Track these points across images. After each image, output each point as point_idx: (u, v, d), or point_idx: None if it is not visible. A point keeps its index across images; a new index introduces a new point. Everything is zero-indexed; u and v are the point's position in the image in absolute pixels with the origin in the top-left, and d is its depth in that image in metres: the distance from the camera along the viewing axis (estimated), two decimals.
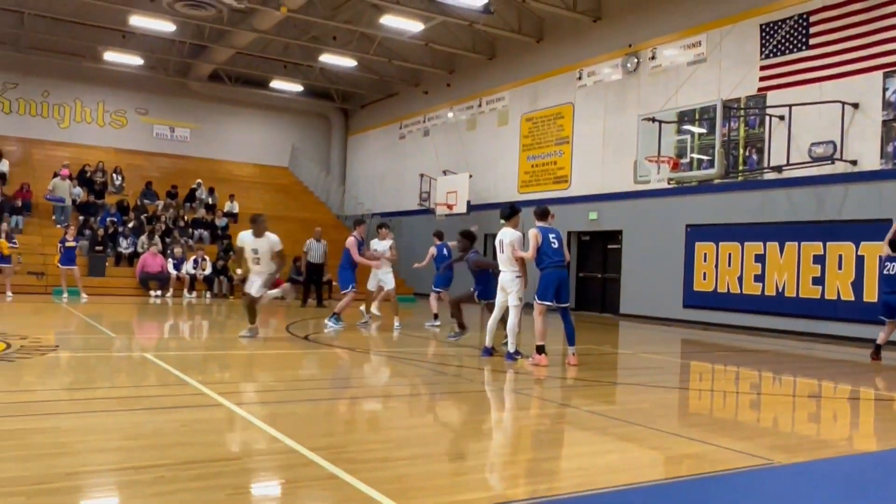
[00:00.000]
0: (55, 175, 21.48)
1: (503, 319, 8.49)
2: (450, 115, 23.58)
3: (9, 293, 15.99)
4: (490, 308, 9.25)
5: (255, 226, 9.51)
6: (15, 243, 16.61)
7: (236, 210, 23.93)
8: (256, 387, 6.60)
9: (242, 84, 27.06)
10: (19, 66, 24.49)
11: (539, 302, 8.08)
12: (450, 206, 21.41)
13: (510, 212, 8.47)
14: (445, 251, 13.62)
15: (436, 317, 13.12)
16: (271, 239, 9.52)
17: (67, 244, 16.84)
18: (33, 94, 25.32)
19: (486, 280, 9.79)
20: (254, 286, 9.50)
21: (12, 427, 4.55)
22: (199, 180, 24.60)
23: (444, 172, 22.57)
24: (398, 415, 5.71)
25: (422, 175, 23.61)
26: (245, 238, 9.57)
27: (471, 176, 21.11)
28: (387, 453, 4.26)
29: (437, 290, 13.04)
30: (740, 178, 14.94)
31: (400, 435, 4.86)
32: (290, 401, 5.84)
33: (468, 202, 20.77)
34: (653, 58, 16.98)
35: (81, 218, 20.69)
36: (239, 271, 10.42)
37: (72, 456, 3.95)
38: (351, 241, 11.72)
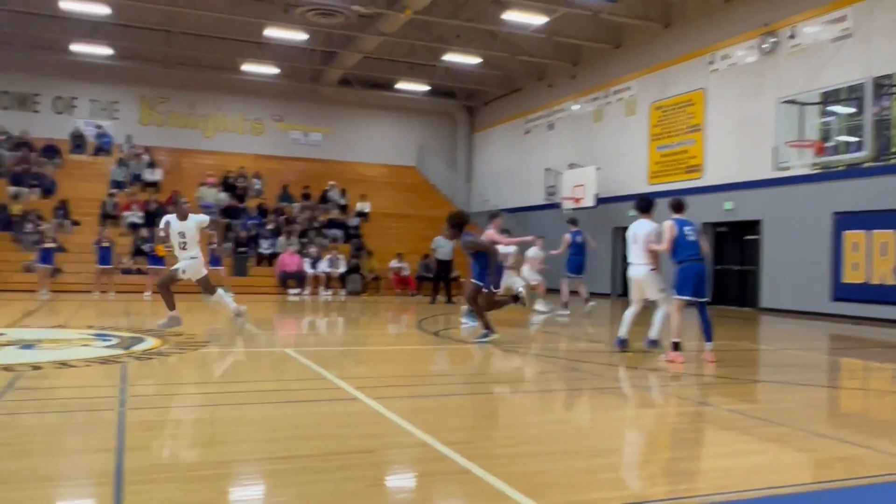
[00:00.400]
0: (202, 184, 22.94)
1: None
2: (575, 107, 23.26)
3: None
4: (491, 296, 9.48)
5: (177, 208, 9.56)
6: (170, 246, 17.83)
7: (368, 209, 24.67)
8: (390, 381, 6.78)
9: (370, 87, 27.85)
10: (169, 81, 26.33)
11: (678, 297, 7.85)
12: (577, 200, 21.13)
13: (646, 203, 8.37)
14: (580, 238, 13.64)
15: (565, 305, 13.06)
16: (197, 219, 9.47)
17: (212, 246, 17.95)
18: (182, 106, 27.13)
19: (485, 264, 9.20)
20: (179, 270, 9.41)
21: (171, 417, 4.91)
22: (331, 182, 25.55)
23: (571, 166, 22.29)
24: (531, 410, 5.70)
25: (547, 169, 23.43)
26: (170, 221, 9.46)
27: (598, 168, 20.74)
28: (520, 449, 4.26)
29: (570, 275, 13.35)
30: (893, 161, 13.84)
31: (533, 431, 4.85)
32: (423, 395, 5.96)
33: (596, 195, 20.42)
34: (792, 36, 16.01)
35: (225, 222, 21.99)
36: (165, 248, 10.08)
37: (223, 445, 4.21)
38: (491, 234, 11.56)
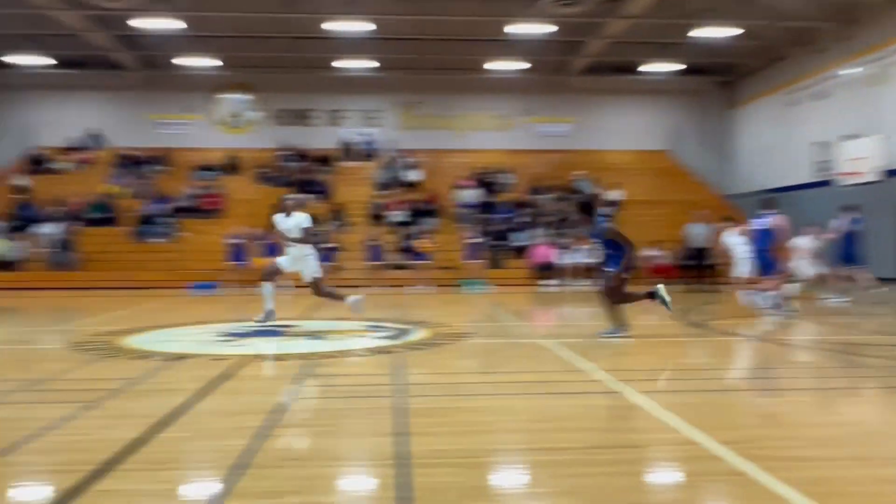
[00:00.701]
0: (457, 186, 24.08)
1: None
2: (850, 72, 20.87)
3: (428, 287, 18.45)
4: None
5: (283, 205, 9.65)
6: (432, 242, 19.12)
7: (620, 198, 24.24)
8: (651, 374, 6.62)
9: (617, 72, 27.30)
10: (423, 86, 27.94)
11: None
12: (856, 175, 18.98)
13: None
14: (856, 226, 12.36)
15: (843, 292, 11.91)
16: (299, 218, 9.44)
17: (470, 241, 18.81)
18: (436, 109, 28.65)
19: (621, 254, 8.29)
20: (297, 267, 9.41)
21: (443, 405, 5.24)
22: (581, 172, 25.46)
23: (846, 137, 20.06)
24: (811, 409, 5.25)
25: (816, 143, 21.31)
26: (276, 219, 9.60)
27: (885, 138, 18.44)
28: (801, 452, 3.96)
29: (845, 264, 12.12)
30: None
31: (815, 433, 4.47)
32: (688, 390, 5.75)
33: (881, 169, 18.19)
34: None
35: (481, 217, 22.87)
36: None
37: (492, 434, 4.41)
38: (781, 220, 10.80)
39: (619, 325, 8.48)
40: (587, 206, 8.92)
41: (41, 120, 27.70)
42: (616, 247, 8.40)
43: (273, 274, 9.67)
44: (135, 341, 8.18)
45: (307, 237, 9.33)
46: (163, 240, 21.07)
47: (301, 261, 9.37)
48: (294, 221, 9.29)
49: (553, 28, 22.12)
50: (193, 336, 8.58)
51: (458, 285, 18.98)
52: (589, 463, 3.73)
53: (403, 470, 3.55)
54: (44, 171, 25.86)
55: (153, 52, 25.87)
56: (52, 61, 25.75)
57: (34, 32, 23.66)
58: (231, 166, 26.34)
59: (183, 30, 22.47)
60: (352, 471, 3.82)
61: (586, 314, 13.32)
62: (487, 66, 26.25)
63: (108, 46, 24.57)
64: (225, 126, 28.44)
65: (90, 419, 4.65)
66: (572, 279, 19.92)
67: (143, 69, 26.90)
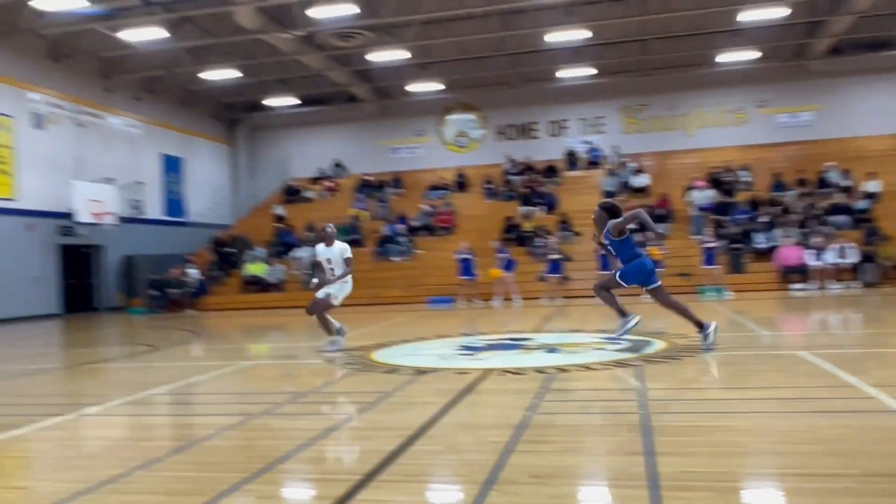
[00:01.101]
0: (690, 188, 22.96)
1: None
2: None
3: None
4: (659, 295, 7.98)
5: (324, 235, 9.85)
6: (665, 249, 18.36)
7: (877, 189, 21.72)
8: None
9: (867, 50, 24.57)
10: (646, 88, 27.12)
11: None
12: None
13: None
14: None
15: None
16: (341, 247, 9.70)
17: (707, 245, 17.81)
18: (661, 110, 27.67)
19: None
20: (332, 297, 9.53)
21: (690, 423, 4.96)
22: (830, 163, 23.19)
23: None
24: None
25: None
26: (318, 249, 9.89)
27: None
28: None
29: None
30: None
31: None
32: None
33: None
34: None
35: (715, 218, 21.61)
36: (315, 281, 10.11)
37: (749, 456, 4.09)
38: None
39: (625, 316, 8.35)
40: (613, 212, 8.26)
41: (293, 154, 30.77)
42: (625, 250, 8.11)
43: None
44: (383, 355, 8.72)
45: (348, 266, 9.66)
46: (402, 258, 22.34)
47: (339, 287, 9.68)
48: (338, 250, 9.67)
49: (787, 11, 20.44)
50: (435, 350, 8.97)
51: (696, 293, 18.07)
52: (866, 493, 3.32)
53: (654, 493, 3.40)
54: (297, 199, 28.60)
55: (385, 83, 27.66)
56: (298, 101, 28.47)
57: (284, 77, 26.37)
58: (460, 184, 27.34)
59: (408, 59, 23.79)
60: (599, 491, 3.73)
61: (846, 321, 12.04)
62: (718, 59, 24.87)
63: (346, 82, 26.68)
64: (452, 146, 29.62)
65: (349, 431, 5.00)
66: (827, 282, 18.15)
67: (378, 99, 28.84)
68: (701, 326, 8.14)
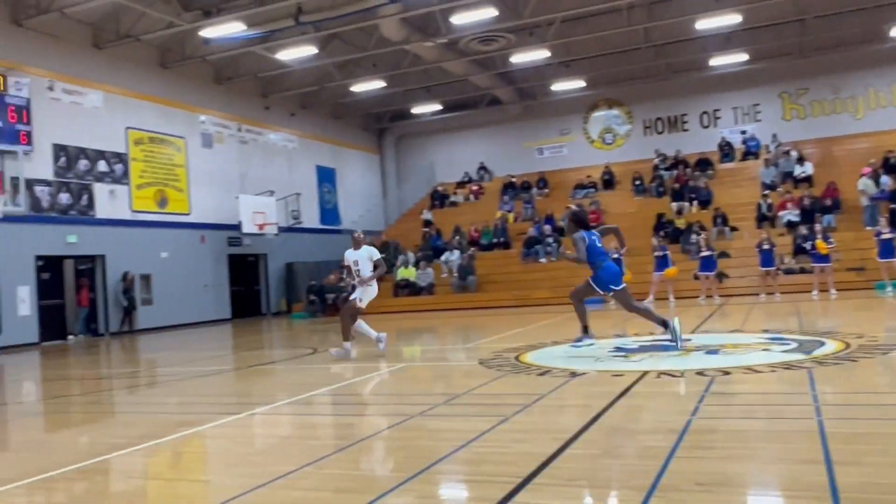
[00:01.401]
0: (862, 175, 21.22)
1: None
2: None
3: (832, 291, 16.53)
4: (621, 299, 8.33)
5: (352, 239, 10.20)
6: (832, 242, 17.07)
7: None
8: None
9: None
10: (806, 71, 25.38)
11: None
12: None
13: None
14: None
15: None
16: (368, 250, 10.01)
17: (883, 236, 16.39)
18: (824, 93, 25.81)
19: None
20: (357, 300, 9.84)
21: (869, 430, 4.57)
22: None
23: None
24: None
25: None
26: (346, 253, 10.21)
27: None
28: None
29: None
30: None
31: None
32: None
33: None
34: None
35: (892, 207, 19.83)
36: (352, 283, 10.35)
37: None
38: None
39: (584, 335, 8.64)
40: (580, 221, 8.83)
41: (439, 160, 31.39)
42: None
43: None
44: (534, 357, 8.68)
45: (377, 268, 10.03)
46: (549, 259, 22.16)
47: (362, 290, 9.97)
48: (364, 253, 9.98)
49: None
50: (587, 352, 8.81)
51: (873, 288, 16.68)
52: None
53: None
54: (444, 204, 29.13)
55: (527, 84, 27.62)
56: (441, 107, 29.00)
57: (428, 84, 26.95)
58: (607, 182, 26.79)
59: (549, 58, 23.62)
60: (772, 502, 3.51)
61: None
62: (894, 33, 22.74)
63: (488, 85, 26.88)
64: (598, 143, 29.09)
65: (504, 433, 5.00)
66: None
67: (520, 101, 28.84)
68: (665, 325, 8.36)
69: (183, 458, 5.25)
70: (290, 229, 24.99)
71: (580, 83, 26.91)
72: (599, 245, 8.71)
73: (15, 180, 15.38)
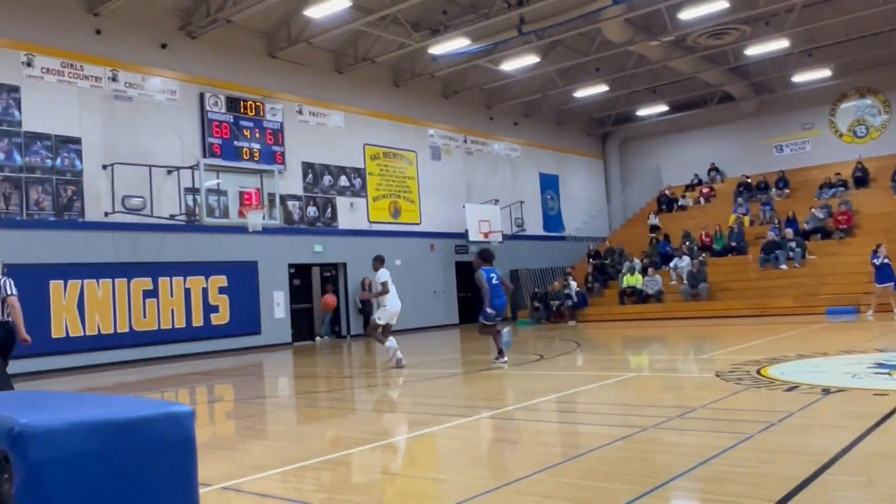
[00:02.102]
0: None
1: None
2: None
3: None
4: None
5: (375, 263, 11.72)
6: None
7: None
8: None
9: None
10: None
11: None
12: None
13: None
14: None
15: None
16: (379, 273, 11.49)
17: None
18: None
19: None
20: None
21: None
22: None
23: None
24: None
25: None
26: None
27: None
28: None
29: None
30: None
31: None
32: None
33: None
34: None
35: None
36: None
37: None
38: None
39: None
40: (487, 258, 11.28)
41: (665, 162, 30.25)
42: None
43: None
44: (777, 371, 7.99)
45: (381, 288, 11.29)
46: (791, 265, 20.41)
47: (382, 308, 11.43)
48: (382, 275, 11.36)
49: None
50: (841, 367, 7.95)
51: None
52: None
53: None
54: (672, 208, 27.97)
55: (763, 77, 25.76)
56: (667, 108, 27.86)
57: (653, 85, 26.08)
58: (859, 179, 24.21)
59: (789, 48, 21.85)
60: None
61: None
62: None
63: (719, 82, 25.44)
64: (849, 137, 26.39)
65: (749, 451, 4.63)
66: None
67: (756, 96, 26.97)
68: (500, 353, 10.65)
69: (419, 457, 5.46)
70: (514, 237, 25.34)
71: (825, 72, 24.51)
72: (496, 282, 10.80)
73: (272, 196, 17.08)
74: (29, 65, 14.78)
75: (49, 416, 2.03)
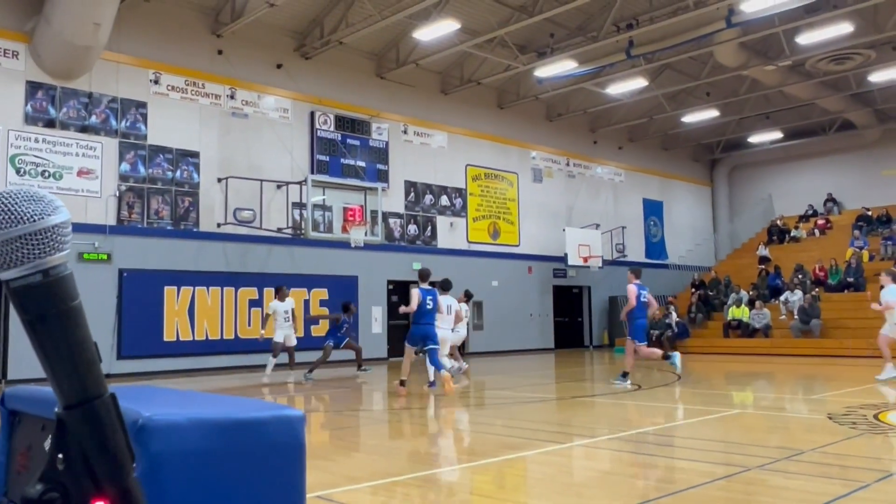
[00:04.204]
0: None
1: None
2: None
3: None
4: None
5: (278, 293, 13.79)
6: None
7: None
8: None
9: None
10: None
11: None
12: None
13: None
14: None
15: None
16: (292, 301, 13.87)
17: None
18: None
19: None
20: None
21: None
22: None
23: None
24: None
25: None
26: (275, 305, 13.62)
27: None
28: None
29: None
30: None
31: None
32: None
33: None
34: None
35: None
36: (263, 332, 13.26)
37: None
38: None
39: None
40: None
41: (777, 191, 29.06)
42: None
43: None
44: None
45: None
46: None
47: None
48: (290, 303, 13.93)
49: None
50: None
51: None
52: None
53: None
54: (783, 239, 26.77)
55: (888, 105, 24.39)
56: (781, 135, 26.75)
57: (767, 111, 25.15)
58: None
59: None
60: None
61: None
62: None
63: (839, 109, 24.26)
64: None
65: (861, 500, 4.32)
66: None
67: (879, 124, 25.57)
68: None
69: (508, 480, 5.38)
70: (614, 262, 24.86)
71: None
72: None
73: (374, 213, 17.44)
74: (156, 82, 15.74)
75: (170, 410, 2.12)
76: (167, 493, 1.87)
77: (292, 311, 13.99)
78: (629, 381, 11.28)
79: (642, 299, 10.99)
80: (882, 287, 11.65)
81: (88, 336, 1.02)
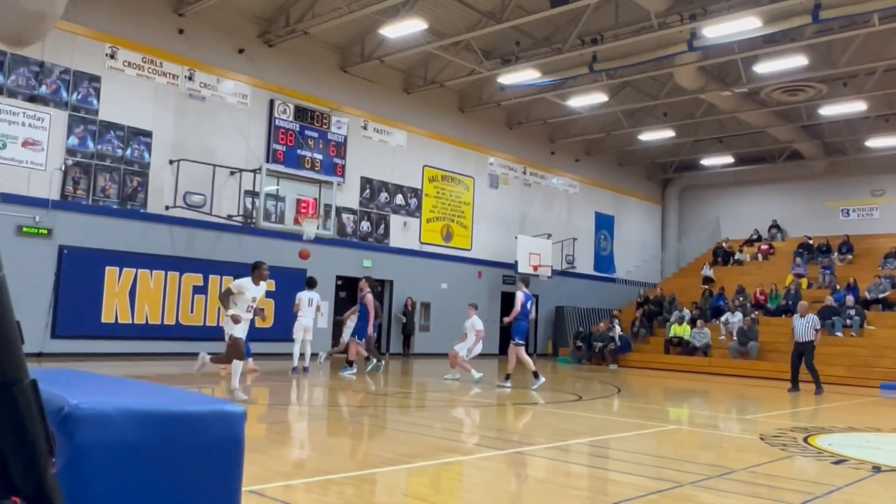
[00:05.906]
0: None
1: None
2: None
3: None
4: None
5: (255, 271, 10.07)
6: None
7: None
8: None
9: None
10: None
11: None
12: None
13: None
14: None
15: None
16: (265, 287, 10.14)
17: None
18: None
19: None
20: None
21: None
22: None
23: None
24: None
25: None
26: (246, 285, 9.84)
27: None
28: None
29: None
30: None
31: None
32: None
33: None
34: None
35: None
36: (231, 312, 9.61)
37: None
38: None
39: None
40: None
41: (725, 214, 29.73)
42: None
43: None
44: (825, 442, 7.67)
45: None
46: (846, 333, 19.73)
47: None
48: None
49: None
50: (895, 445, 7.59)
51: None
52: None
53: None
54: (728, 262, 27.39)
55: (836, 139, 25.18)
56: (732, 159, 27.39)
57: (720, 135, 25.72)
58: None
59: (864, 112, 21.37)
60: None
61: None
62: None
63: (789, 138, 24.94)
64: None
65: None
66: None
67: (826, 156, 26.36)
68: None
69: (444, 484, 5.36)
70: (563, 273, 25.10)
71: None
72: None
73: (328, 207, 17.27)
74: (112, 57, 15.32)
75: (100, 398, 2.00)
76: (90, 490, 1.73)
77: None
78: (510, 383, 12.87)
79: (528, 306, 12.75)
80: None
81: (10, 313, 0.93)
